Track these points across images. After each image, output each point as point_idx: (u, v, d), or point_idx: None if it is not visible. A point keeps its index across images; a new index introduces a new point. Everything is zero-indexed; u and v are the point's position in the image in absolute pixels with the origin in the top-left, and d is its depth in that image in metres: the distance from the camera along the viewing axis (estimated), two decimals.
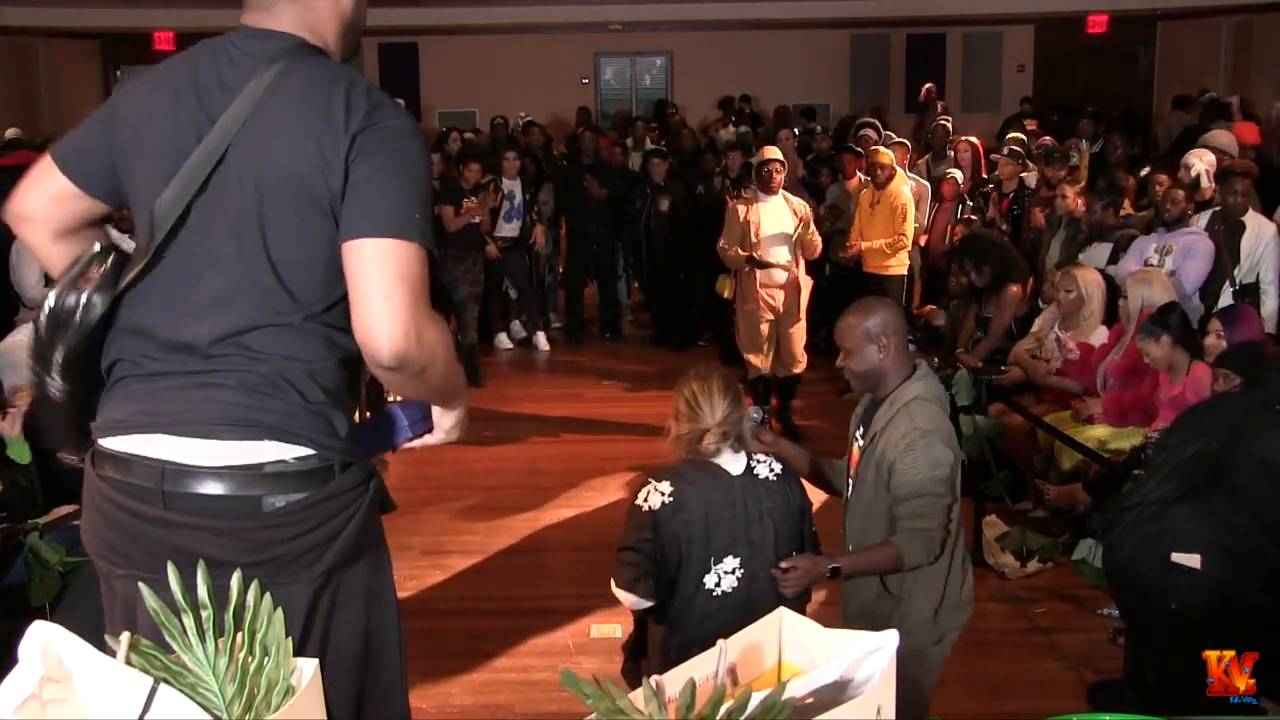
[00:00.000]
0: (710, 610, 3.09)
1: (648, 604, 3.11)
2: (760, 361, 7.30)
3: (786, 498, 3.18)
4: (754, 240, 7.09)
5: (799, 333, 7.27)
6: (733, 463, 3.17)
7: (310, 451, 1.87)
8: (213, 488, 1.84)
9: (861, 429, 3.29)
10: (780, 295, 7.15)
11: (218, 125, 1.84)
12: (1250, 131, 9.06)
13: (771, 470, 3.20)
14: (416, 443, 2.19)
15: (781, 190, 7.22)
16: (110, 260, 1.90)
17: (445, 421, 2.14)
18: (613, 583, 3.12)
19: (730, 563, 3.09)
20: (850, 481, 3.31)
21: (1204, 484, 3.43)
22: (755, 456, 3.21)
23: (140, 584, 1.46)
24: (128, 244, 1.99)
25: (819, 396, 7.98)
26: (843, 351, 3.22)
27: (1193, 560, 3.39)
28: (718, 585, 3.09)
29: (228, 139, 1.84)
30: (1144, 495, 3.56)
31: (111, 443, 1.89)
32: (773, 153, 7.35)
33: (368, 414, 2.21)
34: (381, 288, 1.77)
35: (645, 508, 3.09)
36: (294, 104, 1.84)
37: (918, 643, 3.16)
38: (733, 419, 3.14)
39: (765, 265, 7.08)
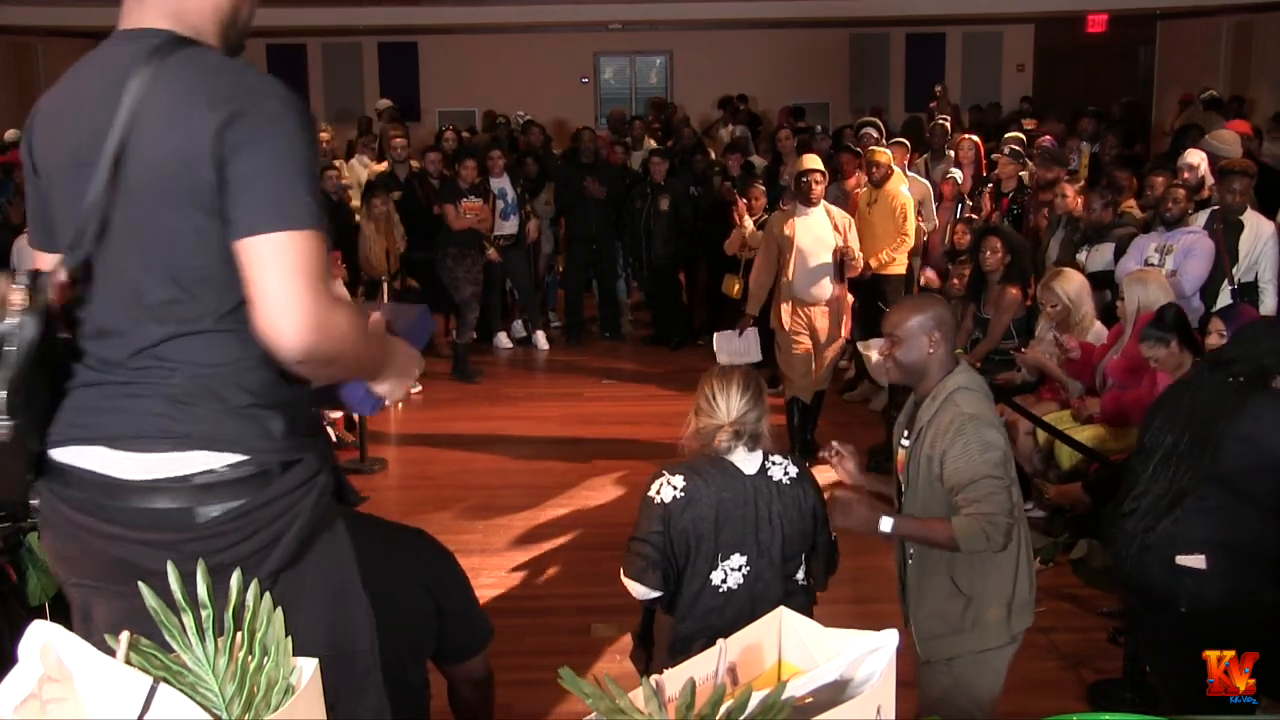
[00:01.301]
0: (717, 605, 3.10)
1: (655, 594, 3.12)
2: (801, 385, 6.81)
3: (799, 501, 3.17)
4: (791, 256, 6.62)
5: (833, 352, 6.92)
6: (747, 461, 3.16)
7: (242, 457, 1.83)
8: (145, 501, 1.82)
9: (906, 431, 3.27)
10: (820, 315, 6.69)
11: (110, 137, 1.80)
12: (1242, 129, 9.04)
13: (786, 473, 3.18)
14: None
15: (823, 202, 6.80)
16: (37, 282, 1.84)
17: (380, 390, 2.07)
18: (622, 571, 3.14)
19: (737, 560, 3.10)
20: (903, 485, 3.28)
21: (1193, 479, 3.40)
22: (771, 457, 3.20)
23: (140, 583, 1.46)
24: None
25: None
26: (891, 340, 3.22)
27: (1198, 561, 3.37)
28: (724, 581, 3.11)
29: (119, 148, 1.80)
30: (1138, 501, 3.53)
31: (55, 453, 1.87)
32: (812, 162, 6.86)
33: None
34: (279, 283, 1.73)
35: (657, 500, 3.10)
36: (167, 102, 1.79)
37: (992, 642, 3.15)
38: (749, 418, 3.13)
39: (805, 302, 6.64)
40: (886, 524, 3.07)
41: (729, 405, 3.13)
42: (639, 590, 3.12)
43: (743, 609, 3.04)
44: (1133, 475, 3.65)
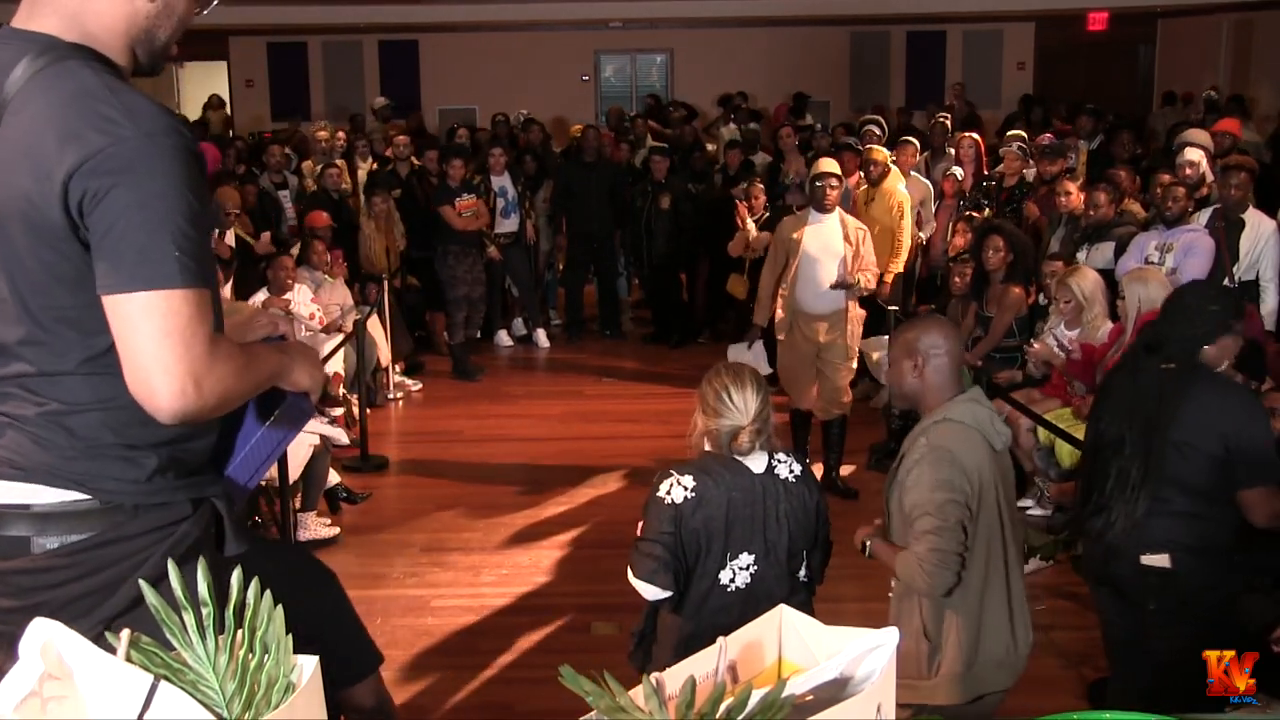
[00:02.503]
0: (724, 604, 3.09)
1: (666, 595, 3.10)
2: (800, 397, 6.46)
3: (804, 500, 3.16)
4: (795, 263, 6.24)
5: (846, 371, 6.37)
6: (756, 460, 3.14)
7: (84, 496, 1.76)
8: None
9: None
10: (823, 327, 6.23)
11: None
12: (1233, 127, 9.04)
13: (792, 471, 3.17)
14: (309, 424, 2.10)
15: (838, 209, 6.41)
16: None
17: (299, 384, 1.98)
18: (630, 572, 3.11)
19: (745, 559, 3.10)
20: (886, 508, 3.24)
21: (1144, 477, 3.36)
22: (776, 455, 3.17)
23: (140, 581, 1.46)
24: None
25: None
26: (887, 363, 3.24)
27: (1163, 560, 3.35)
28: (732, 580, 3.11)
29: None
30: (1100, 503, 3.49)
31: None
32: (829, 166, 6.47)
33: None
34: (149, 348, 1.64)
35: (668, 500, 3.07)
36: (29, 125, 1.65)
37: (944, 698, 3.00)
38: (764, 416, 3.11)
39: (812, 318, 6.25)
40: (869, 540, 3.08)
41: (747, 405, 3.08)
42: (650, 591, 3.10)
43: (748, 607, 3.00)
44: (1087, 473, 3.62)
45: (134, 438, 1.77)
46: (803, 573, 3.23)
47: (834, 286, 6.19)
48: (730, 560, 3.09)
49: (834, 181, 6.32)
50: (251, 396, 1.90)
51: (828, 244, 6.26)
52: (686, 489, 3.07)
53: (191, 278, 1.66)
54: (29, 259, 1.70)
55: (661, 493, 3.09)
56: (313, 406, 2.09)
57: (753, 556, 3.10)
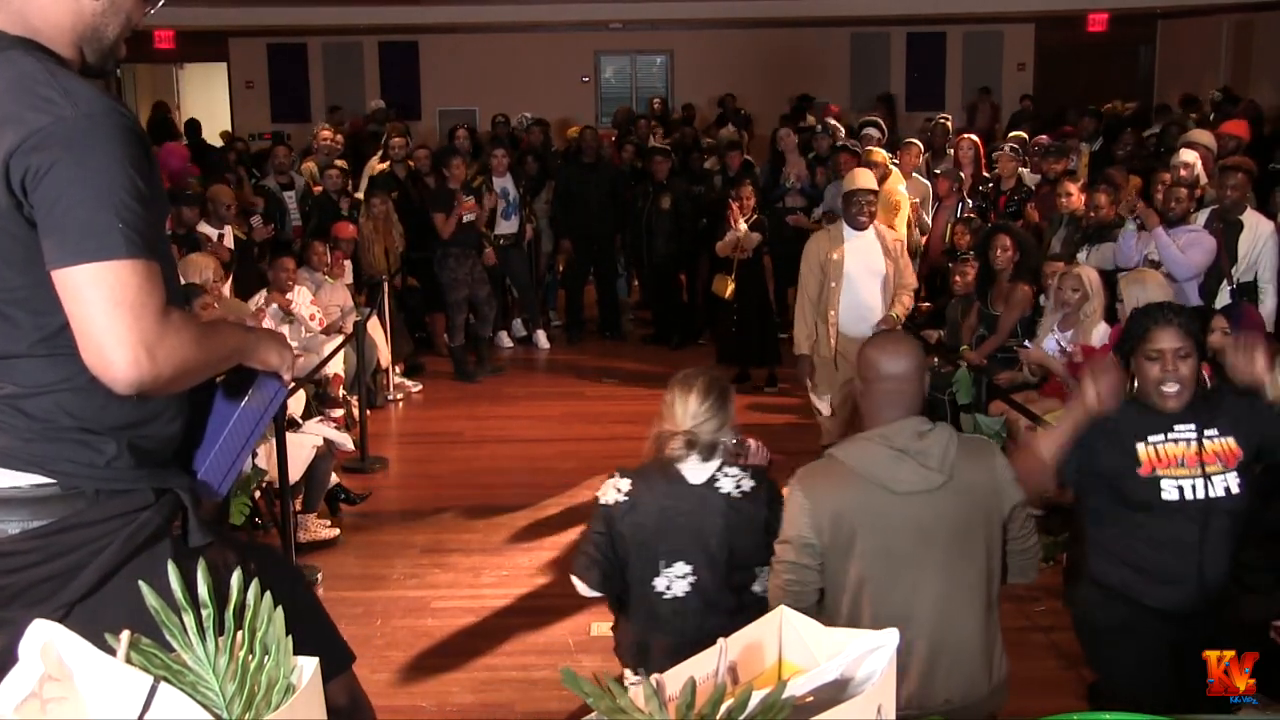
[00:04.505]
0: (665, 612, 3.07)
1: (596, 594, 3.15)
2: (828, 420, 6.00)
3: (750, 516, 3.07)
4: (839, 285, 5.85)
5: None
6: (697, 471, 3.08)
7: (45, 479, 1.77)
8: None
9: None
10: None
11: None
12: (1240, 129, 9.05)
13: (739, 486, 3.08)
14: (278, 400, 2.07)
15: (874, 223, 6.02)
16: None
17: (268, 360, 2.00)
18: (572, 566, 3.18)
19: (682, 568, 3.06)
20: None
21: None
22: (725, 469, 3.09)
23: (140, 581, 1.46)
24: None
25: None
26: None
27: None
28: (669, 589, 3.07)
29: None
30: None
31: None
32: (865, 180, 6.02)
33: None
34: (100, 318, 1.66)
35: (602, 501, 3.11)
36: None
37: None
38: (705, 427, 3.03)
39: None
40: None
41: (685, 412, 3.04)
42: (581, 587, 3.15)
43: (693, 618, 3.01)
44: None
45: (91, 421, 1.79)
46: (758, 588, 3.12)
47: (881, 324, 5.77)
48: (664, 568, 3.06)
49: (870, 197, 5.93)
50: (214, 371, 1.91)
51: (869, 262, 5.92)
52: (620, 492, 3.09)
53: (136, 249, 1.69)
54: None
55: (600, 493, 3.14)
56: (284, 387, 2.09)
57: (690, 567, 3.06)
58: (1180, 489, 3.09)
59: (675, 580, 3.06)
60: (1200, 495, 3.09)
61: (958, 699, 2.76)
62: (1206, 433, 3.13)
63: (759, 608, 2.99)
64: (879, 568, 2.76)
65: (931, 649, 2.75)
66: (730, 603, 3.05)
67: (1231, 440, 3.14)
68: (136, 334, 1.67)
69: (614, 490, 3.10)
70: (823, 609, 2.81)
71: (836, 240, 5.95)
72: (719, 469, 3.09)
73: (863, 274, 5.87)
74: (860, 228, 5.89)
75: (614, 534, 3.08)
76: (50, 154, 1.65)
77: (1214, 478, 3.10)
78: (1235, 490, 3.12)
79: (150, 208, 1.75)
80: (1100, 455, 3.14)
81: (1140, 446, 3.12)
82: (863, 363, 2.90)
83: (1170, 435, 3.13)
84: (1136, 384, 3.20)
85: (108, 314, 1.66)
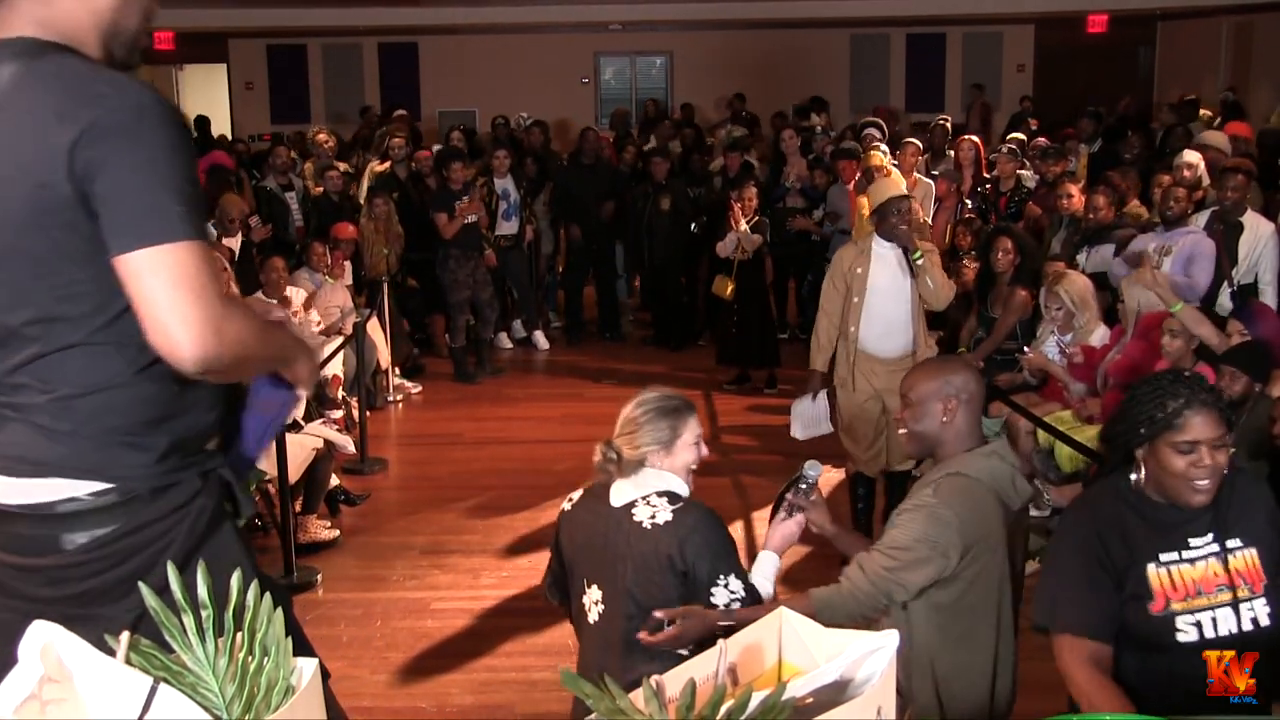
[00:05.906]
0: (589, 637, 2.94)
1: (554, 601, 3.15)
2: (861, 457, 5.45)
3: (657, 548, 2.76)
4: (862, 300, 5.34)
5: None
6: (619, 493, 2.88)
7: (106, 486, 1.81)
8: (13, 526, 1.81)
9: None
10: (893, 375, 4.99)
11: None
12: (1241, 132, 9.05)
13: (654, 517, 2.80)
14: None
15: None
16: None
17: (299, 375, 2.04)
18: None
19: (595, 593, 2.90)
20: None
21: None
22: (648, 497, 2.84)
23: (140, 582, 1.46)
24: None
25: None
26: (904, 403, 2.90)
27: None
28: (587, 612, 2.92)
29: None
30: None
31: None
32: (894, 187, 5.63)
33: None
34: (164, 300, 1.70)
35: (559, 510, 3.08)
36: (16, 119, 1.74)
37: None
38: (630, 438, 2.88)
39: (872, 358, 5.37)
40: (726, 622, 2.70)
41: (618, 425, 2.92)
42: (550, 597, 3.16)
43: (603, 649, 2.82)
44: None
45: (139, 421, 1.82)
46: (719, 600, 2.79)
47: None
48: (586, 589, 2.92)
49: (904, 204, 5.35)
50: (266, 367, 1.97)
51: (895, 277, 5.37)
52: (570, 502, 3.04)
53: (194, 230, 1.74)
54: (38, 244, 1.75)
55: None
56: (296, 400, 2.11)
57: (602, 593, 2.87)
58: (1199, 626, 2.42)
59: (592, 605, 2.90)
60: (1226, 631, 2.41)
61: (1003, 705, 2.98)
62: (1229, 544, 2.46)
63: (671, 658, 2.54)
64: (990, 585, 2.81)
65: (1004, 664, 2.94)
66: (628, 638, 2.74)
67: (1254, 553, 2.46)
68: (200, 311, 1.70)
69: (567, 501, 3.05)
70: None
71: (864, 253, 5.42)
72: (645, 496, 2.85)
73: (889, 289, 5.36)
74: (902, 240, 5.28)
75: (559, 543, 3.04)
76: (108, 145, 1.70)
77: (1242, 605, 2.42)
78: (1266, 622, 2.42)
79: (199, 192, 1.81)
80: (1101, 590, 2.50)
81: (1151, 570, 2.45)
82: (957, 384, 2.82)
83: (1186, 554, 2.46)
84: (1142, 475, 2.50)
85: (170, 295, 1.70)
